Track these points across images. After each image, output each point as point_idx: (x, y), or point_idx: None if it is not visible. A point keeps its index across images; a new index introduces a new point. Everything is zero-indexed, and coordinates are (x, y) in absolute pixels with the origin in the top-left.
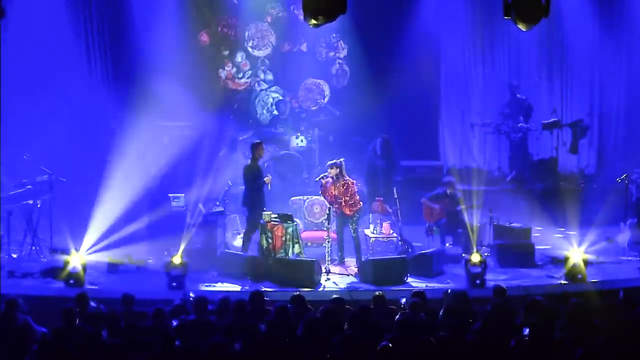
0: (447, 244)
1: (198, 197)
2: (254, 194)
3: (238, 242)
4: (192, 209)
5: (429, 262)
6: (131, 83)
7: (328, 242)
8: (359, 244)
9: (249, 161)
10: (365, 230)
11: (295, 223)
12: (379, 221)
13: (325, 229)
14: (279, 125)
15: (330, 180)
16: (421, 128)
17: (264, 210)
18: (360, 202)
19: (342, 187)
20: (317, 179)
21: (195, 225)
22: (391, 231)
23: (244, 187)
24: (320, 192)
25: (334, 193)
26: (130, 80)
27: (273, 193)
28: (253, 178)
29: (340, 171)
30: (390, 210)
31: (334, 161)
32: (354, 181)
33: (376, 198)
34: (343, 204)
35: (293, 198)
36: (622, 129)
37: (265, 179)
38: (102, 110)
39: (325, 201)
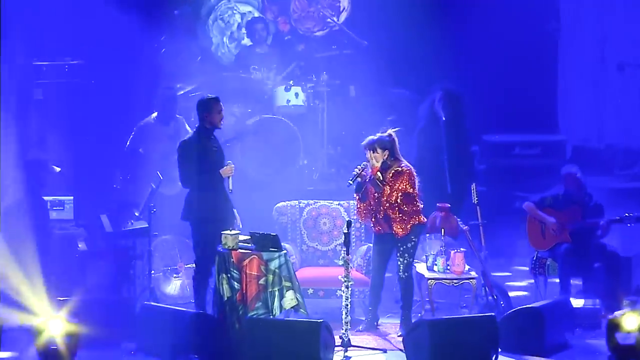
0: (573, 291)
1: (99, 204)
2: (203, 197)
3: (175, 287)
4: (88, 224)
5: (539, 324)
6: None
7: (347, 287)
8: (410, 292)
9: (192, 133)
10: (416, 264)
11: (284, 252)
12: (442, 248)
13: (340, 262)
14: (252, 65)
15: (375, 171)
16: (524, 76)
17: (225, 228)
18: (422, 216)
19: (397, 182)
20: (351, 180)
21: (95, 255)
22: (466, 267)
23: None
24: (356, 195)
25: (385, 195)
26: None
27: (240, 195)
28: (195, 165)
29: (392, 153)
30: (465, 228)
31: (378, 135)
32: (414, 172)
33: (437, 205)
34: (397, 213)
35: (280, 204)
36: None
37: (223, 170)
38: None
39: (360, 214)
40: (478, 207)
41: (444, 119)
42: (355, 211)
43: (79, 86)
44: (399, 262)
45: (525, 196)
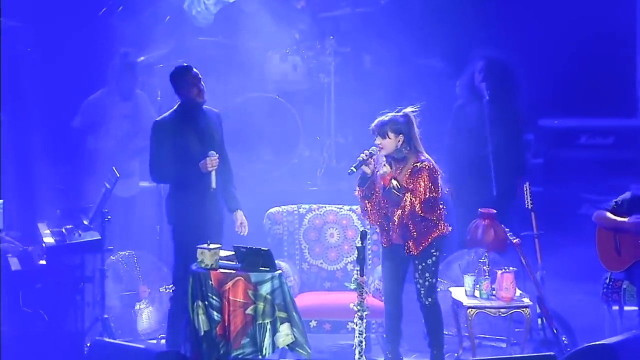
0: None
1: (37, 209)
2: (181, 196)
3: (136, 318)
4: (22, 235)
5: None
6: None
7: (361, 318)
8: (438, 323)
9: (170, 111)
10: (451, 289)
11: (278, 272)
12: (486, 267)
13: (352, 285)
14: (237, 29)
15: (383, 164)
16: (593, 43)
17: (206, 237)
18: (446, 224)
19: (415, 184)
20: (354, 167)
21: (30, 275)
22: (518, 292)
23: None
24: (358, 190)
25: (403, 203)
26: None
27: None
28: (171, 152)
29: (408, 139)
30: (516, 241)
31: (391, 116)
32: (438, 168)
33: (480, 210)
34: (416, 226)
35: (273, 210)
36: None
37: (202, 163)
38: None
39: (368, 215)
40: (533, 214)
41: (487, 97)
42: (361, 212)
43: (12, 55)
44: (417, 285)
45: (594, 199)
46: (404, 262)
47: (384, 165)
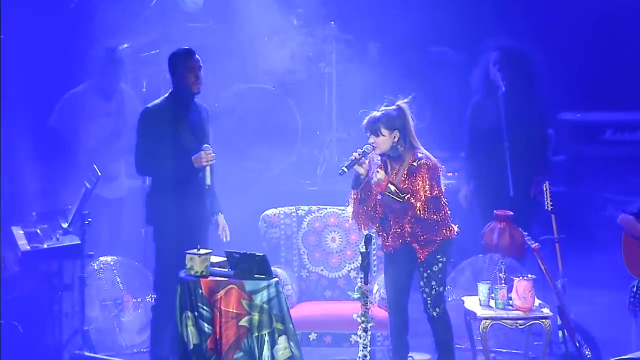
0: None
1: (10, 211)
2: (167, 193)
3: (119, 329)
4: None
5: None
6: None
7: (365, 330)
8: (448, 336)
9: (161, 98)
10: (464, 298)
11: (275, 279)
12: (502, 274)
13: (356, 294)
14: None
15: (377, 170)
16: (619, 29)
17: (193, 241)
18: (453, 226)
19: (414, 185)
20: (346, 167)
21: (4, 283)
22: (537, 301)
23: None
24: (353, 194)
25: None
26: None
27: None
28: (160, 144)
29: (404, 135)
30: (534, 246)
31: (382, 110)
32: (442, 165)
33: (495, 212)
34: (419, 230)
35: (269, 212)
36: None
37: (195, 158)
38: None
39: (358, 219)
40: (553, 216)
41: (503, 88)
42: (351, 215)
43: None
44: (424, 294)
45: (620, 199)
46: (407, 268)
47: (378, 171)
